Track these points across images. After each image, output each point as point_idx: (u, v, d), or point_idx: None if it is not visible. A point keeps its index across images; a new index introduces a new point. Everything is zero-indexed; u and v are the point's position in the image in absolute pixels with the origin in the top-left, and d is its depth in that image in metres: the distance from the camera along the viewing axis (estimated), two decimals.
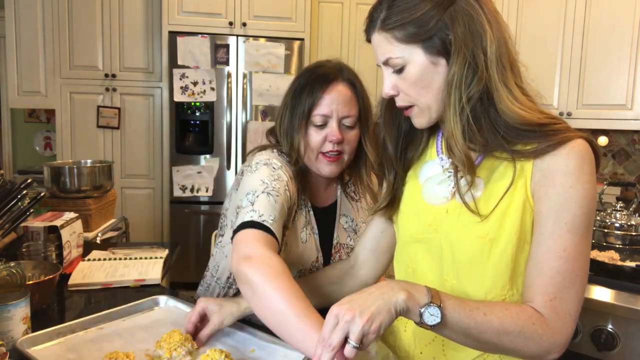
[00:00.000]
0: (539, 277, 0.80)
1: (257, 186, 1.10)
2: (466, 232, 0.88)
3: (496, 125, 0.83)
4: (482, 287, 0.87)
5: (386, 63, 0.87)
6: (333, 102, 1.18)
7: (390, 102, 0.95)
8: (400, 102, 0.89)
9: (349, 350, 0.71)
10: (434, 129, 0.99)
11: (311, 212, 1.27)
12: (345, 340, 0.71)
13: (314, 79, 1.20)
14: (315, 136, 1.19)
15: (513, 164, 0.84)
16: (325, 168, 1.21)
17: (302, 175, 1.25)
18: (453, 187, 0.91)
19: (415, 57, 0.83)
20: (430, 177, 0.97)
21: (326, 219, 1.29)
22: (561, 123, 0.84)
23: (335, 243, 1.27)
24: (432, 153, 1.00)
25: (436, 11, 0.80)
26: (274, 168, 1.16)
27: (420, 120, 0.90)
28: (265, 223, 1.02)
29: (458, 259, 0.89)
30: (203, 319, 1.06)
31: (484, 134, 0.83)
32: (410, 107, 0.89)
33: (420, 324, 0.75)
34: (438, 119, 0.90)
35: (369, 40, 0.91)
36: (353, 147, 1.21)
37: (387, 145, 1.00)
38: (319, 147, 1.19)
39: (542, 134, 0.82)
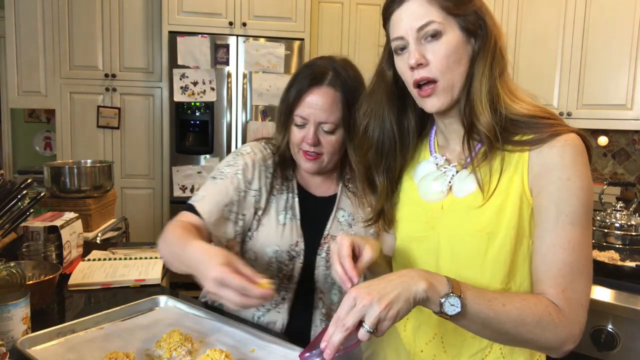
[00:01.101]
0: (548, 270, 0.81)
1: (212, 173, 1.25)
2: (463, 226, 0.89)
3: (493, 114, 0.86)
4: (480, 281, 0.88)
5: (422, 28, 0.85)
6: (312, 106, 1.17)
7: (379, 104, 0.97)
8: (424, 73, 0.86)
9: (362, 333, 0.72)
10: (425, 131, 1.01)
11: (296, 199, 1.28)
12: (360, 324, 0.72)
13: (302, 77, 1.20)
14: (296, 133, 1.22)
15: (503, 155, 0.86)
16: (304, 164, 1.24)
17: (290, 163, 1.28)
18: (449, 182, 0.92)
19: (453, 29, 0.85)
20: (426, 175, 0.97)
21: (322, 209, 1.29)
22: (555, 119, 0.86)
23: (326, 234, 1.27)
24: (426, 153, 1.00)
25: None
26: (237, 155, 1.27)
27: (439, 100, 0.88)
28: (191, 202, 1.19)
29: (456, 255, 0.90)
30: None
31: (501, 115, 0.86)
32: (433, 84, 0.86)
33: (440, 313, 0.76)
34: (455, 103, 0.89)
35: (388, 18, 0.89)
36: (332, 151, 1.21)
37: (378, 148, 0.99)
38: (299, 144, 1.22)
39: (535, 126, 0.84)
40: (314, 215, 1.28)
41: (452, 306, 0.75)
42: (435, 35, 0.84)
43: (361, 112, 1.01)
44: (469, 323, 0.78)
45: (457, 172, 0.92)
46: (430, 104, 0.89)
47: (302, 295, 1.25)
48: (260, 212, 1.25)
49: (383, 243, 1.11)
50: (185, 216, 1.17)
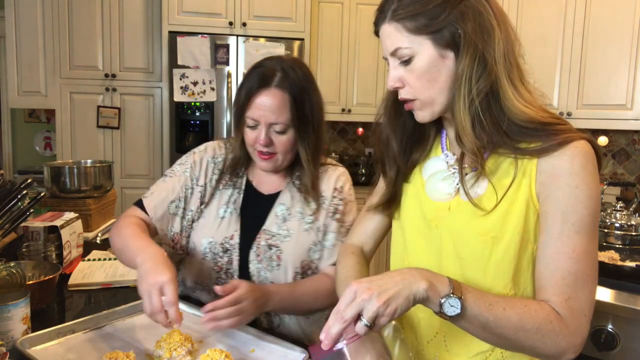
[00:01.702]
0: (551, 278, 0.81)
1: (166, 171, 1.34)
2: (468, 229, 0.88)
3: (500, 122, 0.84)
4: (483, 284, 0.87)
5: (394, 54, 0.87)
6: (261, 107, 1.18)
7: (395, 99, 0.95)
8: (403, 94, 0.89)
9: (360, 326, 0.72)
10: (440, 126, 0.99)
11: (242, 195, 1.31)
12: (358, 317, 0.72)
13: (250, 79, 1.21)
14: (249, 134, 1.23)
15: (516, 161, 0.85)
16: (259, 163, 1.27)
17: (243, 162, 1.32)
18: (457, 184, 0.92)
19: (424, 48, 0.84)
20: (435, 173, 0.97)
21: (265, 205, 1.30)
22: (565, 124, 0.84)
23: (262, 229, 1.27)
24: (437, 149, 1.00)
25: (448, 5, 0.82)
26: (190, 153, 1.35)
27: (422, 114, 0.90)
28: (142, 197, 1.29)
29: (460, 256, 0.90)
30: None
31: (488, 129, 0.84)
32: (413, 100, 0.89)
33: (440, 314, 0.76)
34: (442, 113, 0.90)
35: (377, 33, 0.90)
36: (286, 150, 1.23)
37: (390, 142, 0.99)
38: (252, 144, 1.24)
39: (545, 133, 0.83)
40: (257, 211, 1.30)
41: (452, 307, 0.75)
42: (406, 60, 0.86)
43: (378, 110, 1.02)
44: (468, 325, 0.78)
45: (466, 174, 0.90)
46: (416, 117, 0.92)
47: None
48: (203, 206, 1.30)
49: (383, 228, 1.11)
50: (135, 211, 1.28)
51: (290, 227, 1.27)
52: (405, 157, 1.00)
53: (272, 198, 1.31)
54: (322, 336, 0.74)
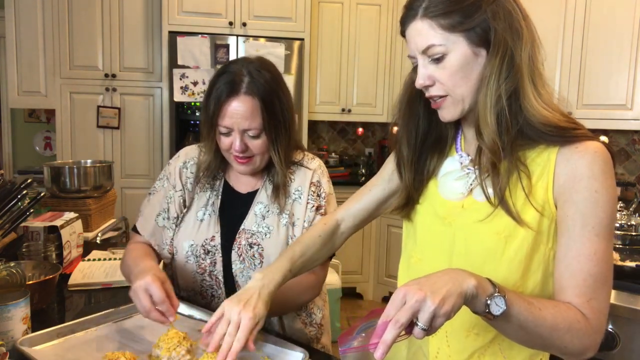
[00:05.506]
0: (572, 279, 0.82)
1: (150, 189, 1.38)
2: (482, 227, 0.88)
3: (517, 121, 0.84)
4: None
5: (425, 52, 0.86)
6: (232, 115, 1.18)
7: (409, 99, 0.95)
8: (434, 91, 0.88)
9: (417, 331, 0.70)
10: (455, 127, 0.99)
11: (220, 196, 1.31)
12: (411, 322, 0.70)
13: (218, 87, 1.19)
14: (223, 141, 1.22)
15: (534, 162, 0.85)
16: (237, 167, 1.27)
17: (219, 164, 1.31)
18: (471, 184, 0.92)
19: (458, 46, 0.84)
20: (448, 172, 0.97)
21: (244, 204, 1.30)
22: (581, 129, 0.85)
23: (241, 228, 1.27)
24: (452, 150, 1.00)
25: (482, 3, 0.82)
26: (166, 165, 1.38)
27: (451, 112, 0.89)
28: (135, 223, 1.34)
29: (472, 253, 0.90)
30: None
31: (509, 128, 0.84)
32: (443, 97, 0.88)
33: (485, 313, 0.75)
34: (468, 111, 0.89)
35: (403, 33, 0.90)
36: (262, 152, 1.23)
37: (404, 144, 0.99)
38: (228, 150, 1.23)
39: (561, 139, 0.84)
40: (235, 211, 1.30)
41: (497, 306, 0.74)
42: (439, 58, 0.85)
43: (394, 111, 1.02)
44: (506, 325, 0.78)
45: (486, 176, 0.90)
46: (442, 115, 0.91)
47: (229, 293, 1.26)
48: (184, 210, 1.32)
49: (371, 210, 1.12)
50: (134, 237, 1.34)
51: (269, 224, 1.27)
52: (420, 161, 0.99)
53: (250, 196, 1.31)
54: (373, 340, 0.71)
